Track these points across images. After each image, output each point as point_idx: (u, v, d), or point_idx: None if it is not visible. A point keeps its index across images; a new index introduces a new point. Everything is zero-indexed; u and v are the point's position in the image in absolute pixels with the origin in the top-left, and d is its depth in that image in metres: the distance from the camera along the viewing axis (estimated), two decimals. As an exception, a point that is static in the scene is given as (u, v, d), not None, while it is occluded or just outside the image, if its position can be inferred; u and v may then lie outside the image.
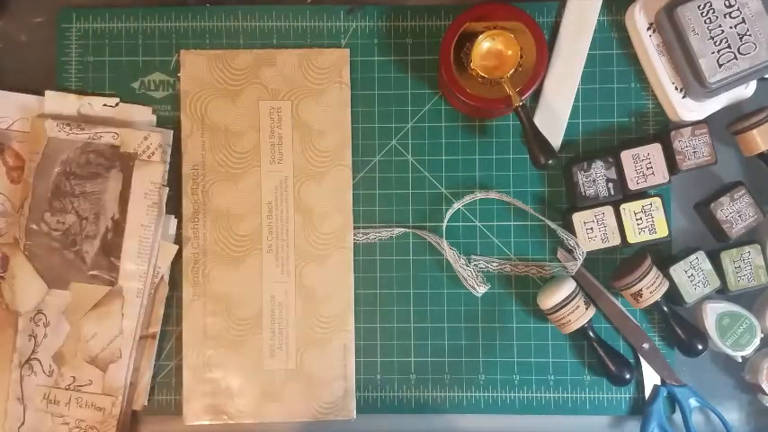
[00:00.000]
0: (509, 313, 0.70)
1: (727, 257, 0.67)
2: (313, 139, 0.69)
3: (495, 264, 0.69)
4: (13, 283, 0.67)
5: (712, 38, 0.63)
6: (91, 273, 0.67)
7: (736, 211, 0.67)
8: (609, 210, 0.68)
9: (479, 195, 0.69)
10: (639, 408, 0.69)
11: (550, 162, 0.63)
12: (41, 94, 0.69)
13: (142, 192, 0.67)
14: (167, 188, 0.68)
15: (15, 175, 0.69)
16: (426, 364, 0.69)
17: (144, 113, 0.69)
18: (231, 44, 0.70)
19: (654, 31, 0.67)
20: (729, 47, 0.63)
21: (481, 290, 0.68)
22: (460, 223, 0.70)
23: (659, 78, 0.67)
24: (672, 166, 0.67)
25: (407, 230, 0.70)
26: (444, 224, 0.69)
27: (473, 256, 0.69)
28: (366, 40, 0.70)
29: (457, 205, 0.69)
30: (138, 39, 0.70)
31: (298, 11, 0.70)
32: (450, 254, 0.69)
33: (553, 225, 0.69)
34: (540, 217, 0.69)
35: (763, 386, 0.67)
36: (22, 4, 0.71)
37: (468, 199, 0.69)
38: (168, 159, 0.69)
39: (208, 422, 0.69)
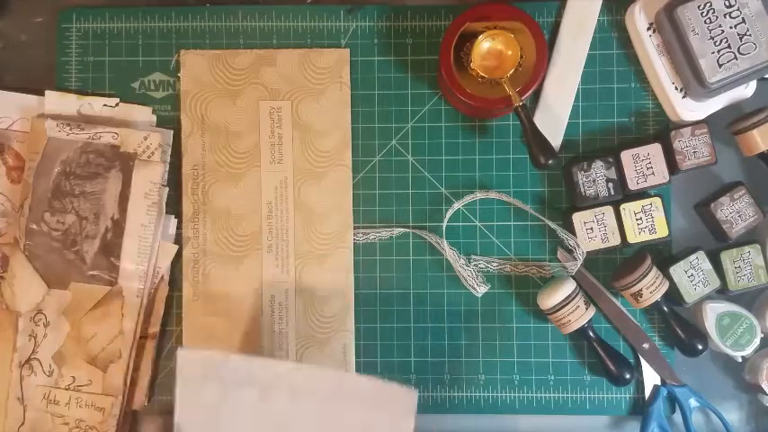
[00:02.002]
0: (509, 313, 0.70)
1: (727, 257, 0.67)
2: (313, 139, 0.69)
3: (495, 264, 0.69)
4: (13, 283, 0.67)
5: (712, 38, 0.63)
6: (91, 273, 0.67)
7: (736, 211, 0.67)
8: (609, 210, 0.68)
9: (479, 195, 0.69)
10: (639, 408, 0.69)
11: (550, 162, 0.63)
12: (41, 94, 0.69)
13: (142, 192, 0.67)
14: (167, 188, 0.68)
15: (15, 175, 0.69)
16: (426, 364, 0.69)
17: (144, 113, 0.69)
18: (231, 44, 0.70)
19: (654, 31, 0.67)
20: (729, 47, 0.63)
21: (481, 290, 0.69)
22: (460, 223, 0.70)
23: (659, 78, 0.67)
24: (672, 166, 0.67)
25: (407, 230, 0.70)
26: (444, 224, 0.69)
27: (473, 256, 0.69)
28: (366, 40, 0.70)
29: (457, 205, 0.69)
30: (138, 39, 0.70)
31: (298, 11, 0.70)
32: (450, 254, 0.69)
33: (553, 225, 0.69)
34: (540, 217, 0.69)
35: (763, 386, 0.67)
36: (23, 4, 0.71)
37: (468, 199, 0.69)
38: (168, 159, 0.69)
39: (208, 422, 0.69)
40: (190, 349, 0.62)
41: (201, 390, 0.59)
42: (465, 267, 0.69)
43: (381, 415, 0.59)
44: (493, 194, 0.69)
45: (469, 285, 0.69)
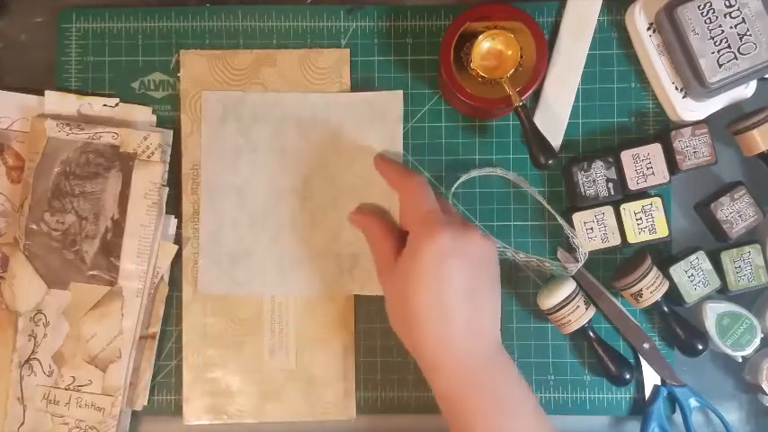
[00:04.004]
0: (509, 313, 0.70)
1: (727, 257, 0.67)
2: (313, 138, 0.69)
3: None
4: (13, 283, 0.67)
5: (712, 38, 0.63)
6: (91, 273, 0.67)
7: (736, 211, 0.67)
8: (609, 210, 0.68)
9: (488, 171, 0.68)
10: (639, 408, 0.69)
11: (550, 162, 0.63)
12: (41, 94, 0.69)
13: (142, 192, 0.67)
14: (167, 188, 0.68)
15: (15, 175, 0.69)
16: (426, 364, 0.69)
17: (144, 113, 0.69)
18: (231, 44, 0.70)
19: (654, 31, 0.67)
20: (729, 47, 0.63)
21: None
22: (460, 223, 0.70)
23: (659, 78, 0.67)
24: (672, 166, 0.67)
25: (407, 230, 0.70)
26: (451, 191, 0.69)
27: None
28: (366, 40, 0.70)
29: (464, 177, 0.68)
30: (138, 39, 0.70)
31: (298, 11, 0.70)
32: (450, 254, 0.69)
33: (561, 220, 0.68)
34: (552, 211, 0.69)
35: (763, 386, 0.67)
36: (22, 4, 0.71)
37: (474, 173, 0.68)
38: (168, 159, 0.69)
39: (208, 422, 0.69)
40: (213, 91, 0.68)
41: (223, 129, 0.68)
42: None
43: (375, 122, 0.68)
44: (500, 171, 0.68)
45: (469, 285, 0.68)
